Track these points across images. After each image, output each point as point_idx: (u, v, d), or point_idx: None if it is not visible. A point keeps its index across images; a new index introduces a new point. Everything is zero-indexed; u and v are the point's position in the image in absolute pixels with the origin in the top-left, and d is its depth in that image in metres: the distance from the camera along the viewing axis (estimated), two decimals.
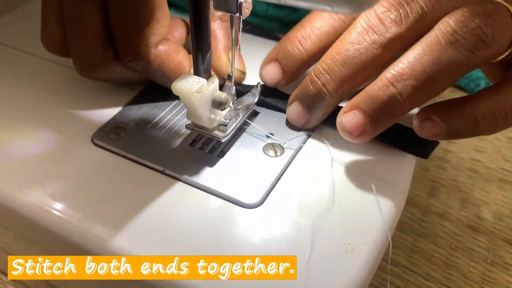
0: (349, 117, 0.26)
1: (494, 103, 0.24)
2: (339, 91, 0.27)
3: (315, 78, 0.27)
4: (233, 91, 0.29)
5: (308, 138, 0.30)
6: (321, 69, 0.27)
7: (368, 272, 0.24)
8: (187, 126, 0.28)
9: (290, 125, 0.30)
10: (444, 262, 0.38)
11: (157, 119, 0.30)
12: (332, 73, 0.26)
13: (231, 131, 0.28)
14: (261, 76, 0.31)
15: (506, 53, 0.23)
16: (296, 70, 0.30)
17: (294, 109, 0.29)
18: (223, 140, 0.28)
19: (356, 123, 0.25)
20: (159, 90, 0.33)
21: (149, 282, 0.23)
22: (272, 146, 0.29)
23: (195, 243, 0.24)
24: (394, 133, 0.28)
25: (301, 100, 0.29)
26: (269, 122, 0.30)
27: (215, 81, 0.26)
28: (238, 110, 0.29)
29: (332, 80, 0.26)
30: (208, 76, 0.26)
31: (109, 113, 0.31)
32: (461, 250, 0.39)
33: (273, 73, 0.30)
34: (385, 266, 0.37)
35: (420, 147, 0.29)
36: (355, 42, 0.25)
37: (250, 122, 0.30)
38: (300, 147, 0.29)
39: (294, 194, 0.26)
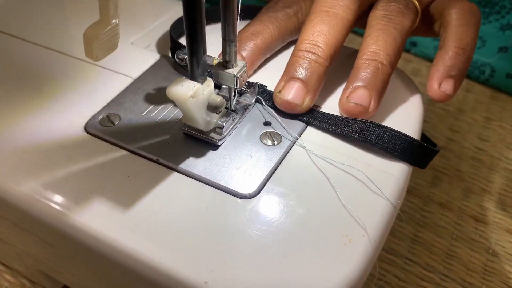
0: (354, 94, 0.28)
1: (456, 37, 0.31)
2: (329, 55, 0.29)
3: (303, 52, 0.29)
4: (233, 94, 0.29)
5: (306, 128, 0.29)
6: (306, 44, 0.29)
7: (367, 264, 0.23)
8: (184, 130, 0.28)
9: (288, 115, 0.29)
10: (445, 252, 0.37)
11: (151, 107, 0.30)
12: (318, 41, 0.29)
13: (227, 134, 0.28)
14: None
15: (416, 23, 0.32)
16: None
17: (291, 87, 0.28)
18: (219, 143, 0.27)
19: (362, 95, 0.28)
20: (155, 77, 0.32)
21: (139, 271, 0.23)
22: (270, 135, 0.28)
23: (189, 234, 0.23)
24: (394, 141, 0.28)
25: (296, 76, 0.29)
26: (267, 112, 0.30)
27: (211, 85, 0.26)
28: (235, 111, 0.29)
29: (320, 47, 0.29)
30: (203, 80, 0.25)
31: (103, 100, 0.30)
32: (463, 241, 0.38)
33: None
34: (385, 256, 0.37)
35: (418, 157, 0.28)
36: (325, 15, 0.30)
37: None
38: (296, 138, 0.28)
39: (291, 184, 0.26)
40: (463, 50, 0.30)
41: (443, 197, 0.41)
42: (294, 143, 0.28)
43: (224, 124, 0.27)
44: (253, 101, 0.30)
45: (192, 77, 0.25)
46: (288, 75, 0.29)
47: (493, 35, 0.51)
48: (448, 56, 0.30)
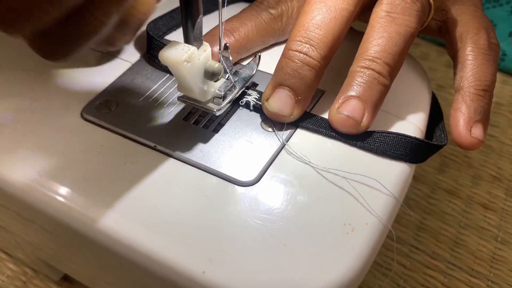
0: (346, 105, 0.25)
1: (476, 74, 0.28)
2: (323, 56, 0.26)
3: (294, 52, 0.26)
4: (230, 61, 0.27)
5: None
6: (297, 42, 0.26)
7: (370, 254, 0.23)
8: (179, 98, 0.26)
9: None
10: (453, 240, 0.36)
11: (149, 92, 0.29)
12: (311, 39, 0.26)
13: (226, 104, 0.26)
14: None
15: (426, 23, 0.29)
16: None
17: (279, 97, 0.26)
18: (217, 114, 0.26)
19: (355, 106, 0.25)
20: (153, 61, 0.31)
21: (139, 263, 0.22)
22: (271, 120, 0.27)
23: (187, 223, 0.23)
24: (394, 144, 0.26)
25: (284, 83, 0.26)
26: None
27: (208, 50, 0.24)
28: (234, 82, 0.27)
29: (314, 46, 0.26)
30: (199, 44, 0.24)
31: (100, 86, 0.29)
32: (471, 228, 0.37)
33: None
34: (391, 244, 0.36)
35: (422, 154, 0.27)
36: (322, 6, 0.26)
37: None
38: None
39: (292, 171, 0.25)
40: (485, 92, 0.28)
41: (451, 184, 0.40)
42: (295, 129, 0.27)
43: (222, 93, 0.26)
44: (253, 72, 0.28)
45: (187, 41, 0.24)
46: (276, 81, 0.26)
47: (504, 18, 0.50)
48: (470, 99, 0.28)
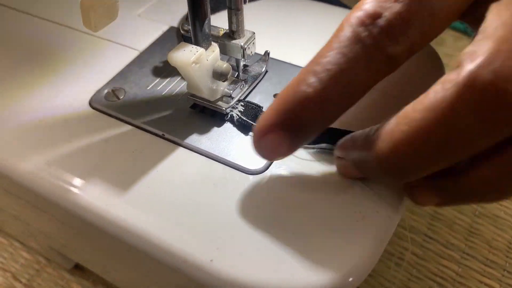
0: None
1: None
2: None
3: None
4: (241, 64, 0.27)
5: None
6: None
7: (381, 242, 0.22)
8: (189, 97, 0.27)
9: None
10: (467, 229, 0.36)
11: (157, 80, 0.29)
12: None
13: (235, 102, 0.26)
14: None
15: None
16: None
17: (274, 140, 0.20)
18: (227, 111, 0.26)
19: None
20: (161, 50, 0.31)
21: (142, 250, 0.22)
22: None
23: (195, 211, 0.23)
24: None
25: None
26: (277, 84, 0.28)
27: (216, 50, 0.25)
28: (243, 80, 0.27)
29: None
30: (208, 45, 0.24)
31: (108, 74, 0.29)
32: (486, 217, 0.36)
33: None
34: (403, 233, 0.35)
35: None
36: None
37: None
38: None
39: (301, 158, 0.25)
40: None
41: None
42: None
43: (232, 92, 0.26)
44: (263, 70, 0.28)
45: (196, 42, 0.24)
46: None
47: None
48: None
